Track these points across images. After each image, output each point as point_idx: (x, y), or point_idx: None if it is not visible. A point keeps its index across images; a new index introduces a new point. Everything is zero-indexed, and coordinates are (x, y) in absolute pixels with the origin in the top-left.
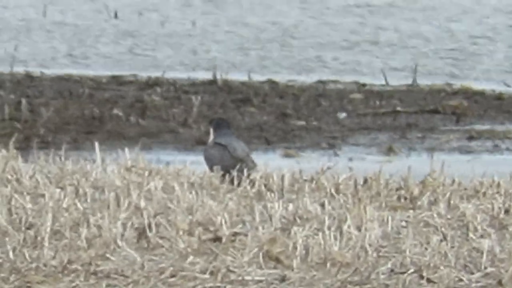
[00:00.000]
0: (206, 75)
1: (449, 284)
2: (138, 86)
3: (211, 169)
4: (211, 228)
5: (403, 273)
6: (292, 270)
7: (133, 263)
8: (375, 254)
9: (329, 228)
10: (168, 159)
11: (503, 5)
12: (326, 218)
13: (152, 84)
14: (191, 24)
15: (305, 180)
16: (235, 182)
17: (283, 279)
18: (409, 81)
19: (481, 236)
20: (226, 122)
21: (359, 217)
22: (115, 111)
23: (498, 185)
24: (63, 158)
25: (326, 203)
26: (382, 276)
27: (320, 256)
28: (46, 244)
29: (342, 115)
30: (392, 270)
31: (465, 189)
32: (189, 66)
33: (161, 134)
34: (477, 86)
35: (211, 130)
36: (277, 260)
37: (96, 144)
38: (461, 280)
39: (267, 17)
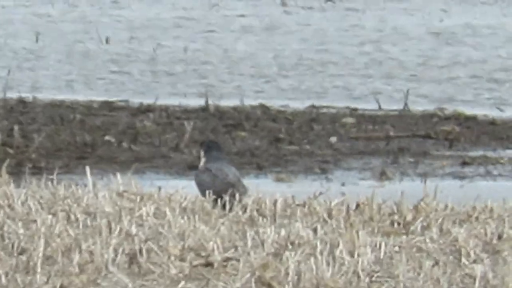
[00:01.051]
0: (198, 101)
1: None
2: (130, 112)
3: (203, 194)
4: (203, 254)
5: None
6: None
7: None
8: (367, 280)
9: (321, 253)
10: (160, 184)
11: None
12: (318, 243)
13: (144, 110)
14: (183, 50)
15: (298, 205)
16: (227, 207)
17: None
18: (401, 106)
19: (474, 262)
20: (217, 145)
21: (351, 242)
22: (107, 137)
23: (491, 210)
24: (55, 183)
25: (319, 228)
26: None
27: (312, 282)
28: (39, 269)
29: (334, 139)
30: None
31: (458, 214)
32: (181, 92)
33: (153, 159)
34: (469, 111)
35: (202, 154)
36: (269, 286)
37: (87, 169)
38: None
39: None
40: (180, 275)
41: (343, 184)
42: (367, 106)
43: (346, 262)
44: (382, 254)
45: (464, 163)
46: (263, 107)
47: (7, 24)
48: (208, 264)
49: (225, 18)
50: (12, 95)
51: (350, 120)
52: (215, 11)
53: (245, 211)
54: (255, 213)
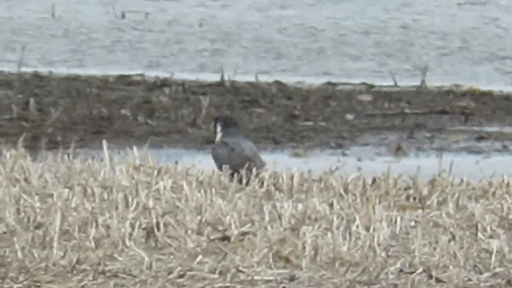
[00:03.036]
0: (214, 77)
1: (458, 284)
2: (146, 86)
3: (219, 168)
4: (220, 228)
5: (412, 273)
6: (301, 269)
7: (141, 263)
8: (383, 254)
9: (337, 228)
10: (177, 158)
11: None
12: (335, 218)
13: (160, 84)
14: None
15: (314, 180)
16: (244, 181)
17: (292, 278)
18: (418, 82)
19: (490, 237)
20: (234, 121)
21: (367, 217)
22: (123, 111)
23: (508, 185)
24: (71, 157)
25: (335, 203)
26: (391, 276)
27: (329, 256)
28: (55, 244)
29: (350, 116)
30: (401, 270)
31: (474, 189)
32: (196, 67)
33: (170, 134)
34: (485, 87)
35: (218, 129)
36: (287, 260)
37: (104, 143)
38: (470, 280)
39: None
40: (197, 249)
41: (359, 159)
42: (383, 82)
43: (362, 237)
44: (398, 228)
45: (480, 138)
46: (278, 83)
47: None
48: (225, 238)
49: None
50: (28, 69)
51: (366, 97)
52: None
53: (262, 186)
54: (272, 187)
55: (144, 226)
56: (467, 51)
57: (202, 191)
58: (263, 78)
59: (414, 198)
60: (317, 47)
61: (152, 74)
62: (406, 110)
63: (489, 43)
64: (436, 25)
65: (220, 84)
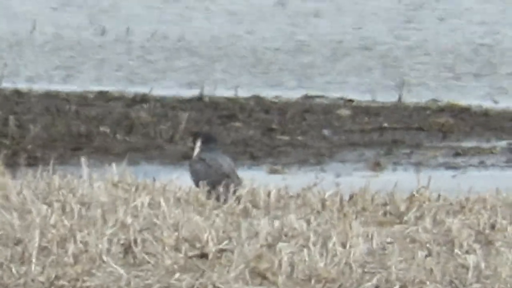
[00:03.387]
0: (193, 92)
1: None
2: (125, 102)
3: (196, 184)
4: (198, 245)
5: None
6: (278, 286)
7: (119, 279)
8: (360, 270)
9: (314, 245)
10: (155, 175)
11: None
12: (312, 234)
13: (139, 100)
14: (177, 39)
15: (291, 197)
16: (221, 199)
17: None
18: (395, 98)
19: (467, 252)
20: (212, 136)
21: (344, 233)
22: (102, 128)
23: (484, 200)
24: (50, 174)
25: (312, 219)
26: None
27: (305, 273)
28: (34, 260)
29: (327, 132)
30: (377, 286)
31: (451, 204)
32: (176, 82)
33: (148, 150)
34: (463, 102)
35: (198, 144)
36: (263, 277)
37: (83, 160)
38: None
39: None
40: (175, 266)
41: (337, 175)
42: (362, 97)
43: (338, 253)
44: (374, 244)
45: (458, 154)
46: (256, 97)
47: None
48: (203, 255)
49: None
50: (7, 85)
51: (344, 112)
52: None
53: (239, 203)
54: (249, 204)
55: (122, 242)
56: (445, 66)
57: (180, 208)
58: (242, 93)
59: (392, 214)
60: (296, 61)
61: (131, 90)
62: (385, 125)
63: (469, 60)
64: (415, 40)
65: (199, 99)
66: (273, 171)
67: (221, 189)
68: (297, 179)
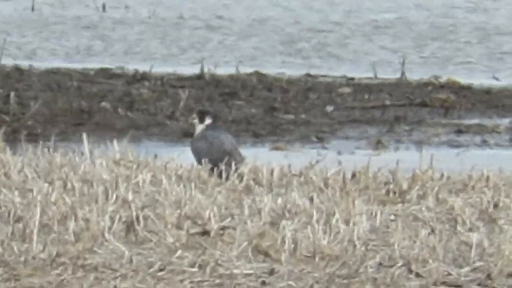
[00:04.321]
0: (194, 69)
1: (438, 278)
2: (126, 79)
3: (199, 162)
4: (200, 222)
5: (391, 266)
6: (281, 263)
7: (121, 257)
8: (363, 248)
9: (317, 222)
10: (156, 151)
11: None
12: (315, 212)
13: (140, 78)
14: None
15: (294, 174)
16: (223, 176)
17: (271, 272)
18: (398, 75)
19: (470, 230)
20: (214, 114)
21: (347, 211)
22: (103, 104)
23: (487, 178)
24: (51, 151)
25: (315, 197)
26: (370, 270)
27: (308, 250)
28: (35, 237)
29: (330, 108)
30: (380, 264)
31: (454, 183)
32: (177, 58)
33: (149, 127)
34: (465, 80)
35: (198, 122)
36: (266, 254)
37: (84, 136)
38: (450, 274)
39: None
40: (177, 243)
41: (339, 153)
42: (364, 74)
43: (341, 231)
44: (377, 222)
45: (460, 131)
46: (258, 74)
47: None
48: (205, 233)
49: None
50: (8, 61)
51: (346, 89)
52: None
53: (241, 180)
54: (251, 182)
55: (123, 219)
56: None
57: (182, 185)
58: (243, 69)
59: (394, 192)
60: (298, 39)
61: (131, 67)
62: (386, 102)
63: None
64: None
65: (200, 76)
66: (275, 148)
67: (223, 166)
68: (299, 157)
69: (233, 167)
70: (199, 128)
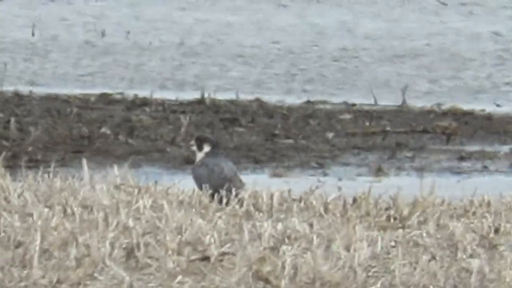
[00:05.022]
0: (194, 95)
1: None
2: (126, 105)
3: (200, 188)
4: (200, 248)
5: None
6: None
7: (122, 283)
8: (364, 274)
9: (317, 248)
10: (157, 178)
11: None
12: (315, 237)
13: (139, 103)
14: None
15: (294, 200)
16: (224, 202)
17: None
18: (399, 102)
19: (471, 256)
20: (214, 140)
21: (348, 237)
22: (103, 129)
23: (488, 204)
24: (51, 176)
25: (315, 222)
26: None
27: (309, 276)
28: (35, 263)
29: (330, 134)
30: None
31: (455, 208)
32: (176, 84)
33: (150, 152)
34: (466, 106)
35: (207, 149)
36: (266, 280)
37: (84, 162)
38: None
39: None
40: (177, 269)
41: (339, 179)
42: (364, 101)
43: (342, 257)
44: (378, 249)
45: (461, 158)
46: (259, 101)
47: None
48: (205, 258)
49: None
50: (8, 88)
51: (347, 116)
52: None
53: (241, 205)
54: (251, 207)
55: (124, 245)
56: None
57: (182, 210)
58: (243, 96)
59: (395, 218)
60: (297, 67)
61: (131, 92)
62: (388, 129)
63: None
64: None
65: (201, 102)
66: (275, 175)
67: (223, 192)
68: (300, 183)
69: (234, 193)
70: (199, 155)
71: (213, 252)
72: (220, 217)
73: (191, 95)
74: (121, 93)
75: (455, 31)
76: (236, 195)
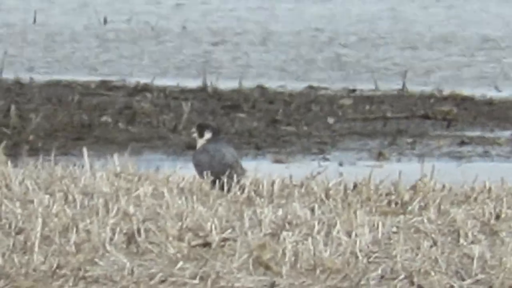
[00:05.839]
0: (196, 82)
1: None
2: (127, 92)
3: (200, 175)
4: (201, 234)
5: (393, 279)
6: (282, 276)
7: (123, 269)
8: (365, 260)
9: (319, 234)
10: (158, 164)
11: None
12: (316, 223)
13: (141, 90)
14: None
15: (295, 186)
16: (225, 188)
17: (272, 285)
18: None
19: (472, 242)
20: (215, 127)
21: (349, 222)
22: (104, 118)
23: (489, 190)
24: (52, 164)
25: (316, 208)
26: (372, 282)
27: (309, 262)
28: (36, 249)
29: (331, 120)
30: (382, 276)
31: (456, 194)
32: (179, 71)
33: (151, 139)
34: (467, 91)
35: (208, 136)
36: (267, 266)
37: (85, 150)
38: (452, 286)
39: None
40: (178, 255)
41: (340, 164)
42: (365, 86)
43: (343, 242)
44: (379, 234)
45: (462, 143)
46: (261, 88)
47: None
48: (206, 244)
49: None
50: (9, 75)
51: (348, 101)
52: None
53: (243, 192)
54: (252, 193)
55: (125, 231)
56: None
57: (183, 197)
58: (246, 83)
59: (396, 204)
60: (298, 51)
61: (133, 79)
62: (388, 114)
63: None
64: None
65: (203, 89)
66: (277, 161)
67: (224, 178)
68: (301, 168)
69: (235, 179)
70: (200, 142)
71: (214, 238)
72: (220, 204)
73: (193, 82)
74: (123, 80)
75: None
76: (238, 181)
